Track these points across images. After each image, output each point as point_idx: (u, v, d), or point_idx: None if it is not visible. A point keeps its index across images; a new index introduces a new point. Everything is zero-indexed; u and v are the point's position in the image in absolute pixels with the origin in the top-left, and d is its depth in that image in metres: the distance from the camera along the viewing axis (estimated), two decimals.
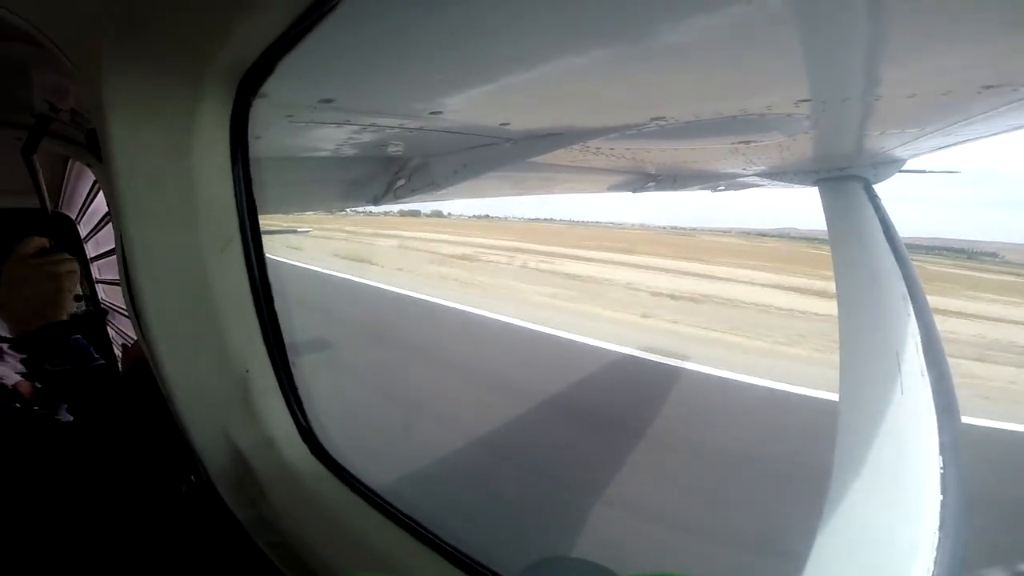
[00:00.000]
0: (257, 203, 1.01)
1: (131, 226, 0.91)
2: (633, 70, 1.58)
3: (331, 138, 1.79)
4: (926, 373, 2.27)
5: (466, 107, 1.78)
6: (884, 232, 2.61)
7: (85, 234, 3.89)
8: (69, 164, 3.47)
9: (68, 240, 4.17)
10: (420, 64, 1.26)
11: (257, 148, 1.51)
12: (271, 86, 1.02)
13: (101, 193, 2.66)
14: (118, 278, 3.02)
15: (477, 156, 2.37)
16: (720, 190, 3.77)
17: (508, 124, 2.09)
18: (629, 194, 3.75)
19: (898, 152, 2.73)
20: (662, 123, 1.91)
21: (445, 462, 5.80)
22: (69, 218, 4.15)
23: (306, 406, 1.03)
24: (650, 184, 3.54)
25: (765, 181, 3.32)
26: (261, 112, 1.28)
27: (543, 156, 2.54)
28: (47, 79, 1.77)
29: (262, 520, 1.01)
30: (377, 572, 0.80)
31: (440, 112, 1.72)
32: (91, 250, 3.91)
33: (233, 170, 0.98)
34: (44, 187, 3.57)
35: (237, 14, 0.85)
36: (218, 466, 1.03)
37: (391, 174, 2.69)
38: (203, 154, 0.96)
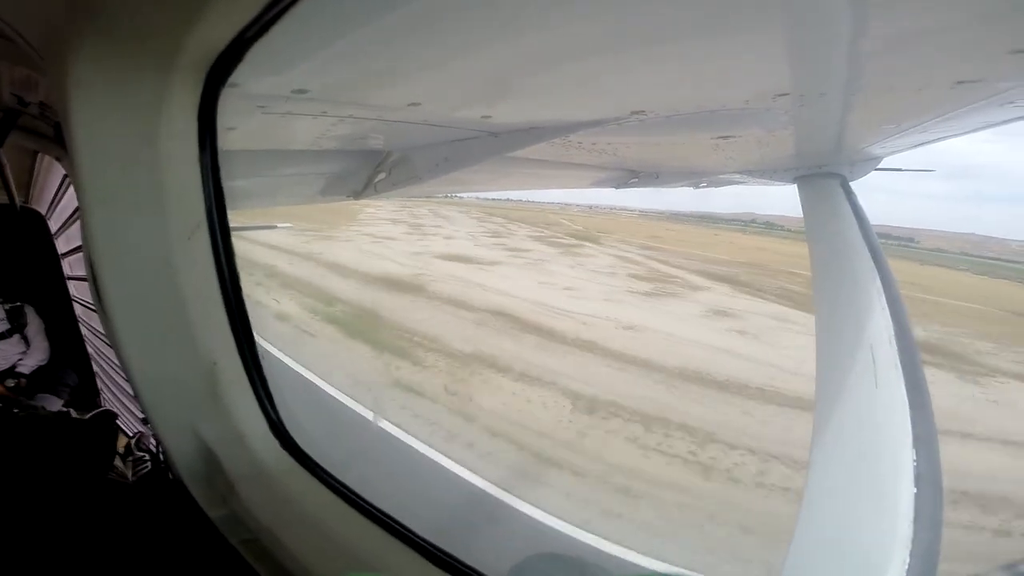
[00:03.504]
0: (227, 193, 0.98)
1: (96, 214, 0.88)
2: (612, 63, 1.58)
3: (307, 130, 1.75)
4: (899, 366, 2.31)
5: (445, 99, 1.76)
6: (860, 229, 2.65)
7: (55, 229, 3.78)
8: (38, 159, 3.36)
9: (37, 236, 4.05)
10: (397, 54, 1.24)
11: (231, 140, 1.48)
12: (242, 76, 1.00)
13: (71, 188, 2.58)
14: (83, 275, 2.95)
15: (459, 149, 2.35)
16: (702, 187, 3.80)
17: (489, 117, 2.07)
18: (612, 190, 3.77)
19: (875, 149, 2.78)
20: (642, 117, 1.91)
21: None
22: (39, 213, 4.03)
23: (276, 400, 1.01)
24: (633, 180, 3.55)
25: (745, 178, 3.35)
26: (234, 103, 1.25)
27: (526, 150, 2.53)
28: (14, 72, 1.71)
29: (233, 518, 0.99)
30: (356, 571, 0.78)
31: (419, 104, 1.69)
32: (61, 246, 3.81)
33: (201, 158, 0.96)
34: (11, 182, 3.46)
35: (204, 5, 0.82)
36: (187, 463, 1.01)
37: (371, 168, 2.66)
38: (171, 142, 0.93)
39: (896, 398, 2.25)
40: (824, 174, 2.75)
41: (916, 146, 2.90)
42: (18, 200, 3.71)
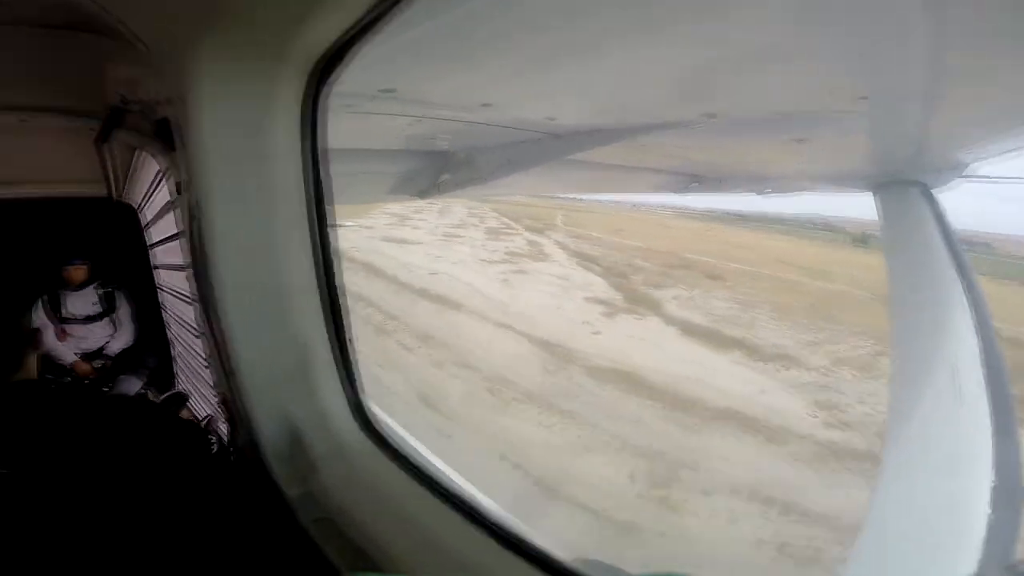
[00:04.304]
0: (325, 185, 1.05)
1: (210, 203, 0.96)
2: (684, 63, 1.57)
3: (384, 130, 1.84)
4: (984, 387, 2.17)
5: (515, 99, 1.81)
6: (944, 241, 2.50)
7: (147, 221, 4.09)
8: (135, 155, 3.65)
9: (129, 227, 4.40)
10: (477, 55, 1.29)
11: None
12: (342, 74, 1.06)
13: (165, 182, 2.79)
14: (177, 263, 3.17)
15: (523, 151, 2.39)
16: (767, 193, 3.68)
17: (554, 119, 2.10)
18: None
19: (961, 155, 2.61)
20: (713, 119, 1.89)
21: None
22: (131, 206, 4.37)
23: (361, 383, 1.06)
24: (695, 184, 3.49)
25: (817, 185, 3.22)
26: (322, 101, 1.33)
27: (588, 152, 2.55)
28: (121, 71, 1.87)
29: (310, 496, 1.01)
30: (430, 553, 0.79)
31: (490, 104, 1.75)
32: (151, 237, 4.12)
33: (304, 154, 1.03)
34: (112, 177, 3.77)
35: (314, 5, 0.89)
36: (272, 440, 1.06)
37: (437, 168, 2.74)
38: (278, 138, 1.01)
39: (978, 419, 2.11)
40: (904, 181, 2.61)
41: (1007, 152, 2.70)
42: (115, 194, 4.05)
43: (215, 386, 2.51)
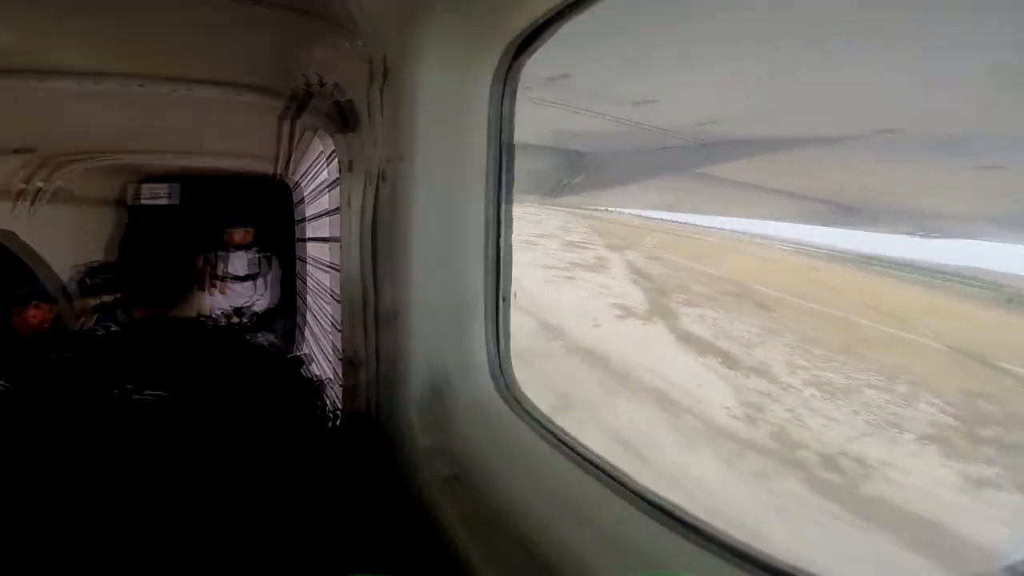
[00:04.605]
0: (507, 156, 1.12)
1: (402, 169, 1.05)
2: (868, 66, 1.44)
3: (539, 121, 1.90)
4: None
5: (676, 97, 1.78)
6: None
7: (302, 198, 4.59)
8: (302, 135, 4.11)
9: (284, 202, 4.99)
10: (650, 41, 1.29)
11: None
12: (532, 54, 1.12)
13: (327, 163, 3.10)
14: (325, 236, 3.50)
15: (664, 159, 2.35)
16: (933, 237, 3.21)
17: (705, 125, 2.04)
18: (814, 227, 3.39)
19: None
20: (890, 136, 1.71)
21: None
22: (285, 184, 4.93)
23: (508, 344, 1.09)
24: (844, 218, 3.16)
25: (1010, 232, 2.75)
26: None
27: (729, 167, 2.43)
28: (315, 52, 2.05)
29: (439, 449, 1.04)
30: (563, 510, 0.77)
31: (651, 101, 1.73)
32: (304, 213, 4.62)
33: (491, 127, 1.10)
34: (280, 154, 4.28)
35: None
36: (416, 389, 1.09)
37: (569, 169, 2.77)
38: (474, 113, 1.08)
39: None
40: None
41: None
42: (279, 171, 4.61)
43: (342, 350, 2.72)
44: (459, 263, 1.05)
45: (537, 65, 1.20)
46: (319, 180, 3.87)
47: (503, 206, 1.08)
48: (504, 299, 1.07)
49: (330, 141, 2.95)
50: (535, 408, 1.02)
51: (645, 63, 1.43)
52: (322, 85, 2.32)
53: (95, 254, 3.79)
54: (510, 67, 1.08)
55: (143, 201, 4.50)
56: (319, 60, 2.08)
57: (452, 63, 1.06)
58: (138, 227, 4.11)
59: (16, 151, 3.56)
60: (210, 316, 4.30)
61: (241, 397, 1.29)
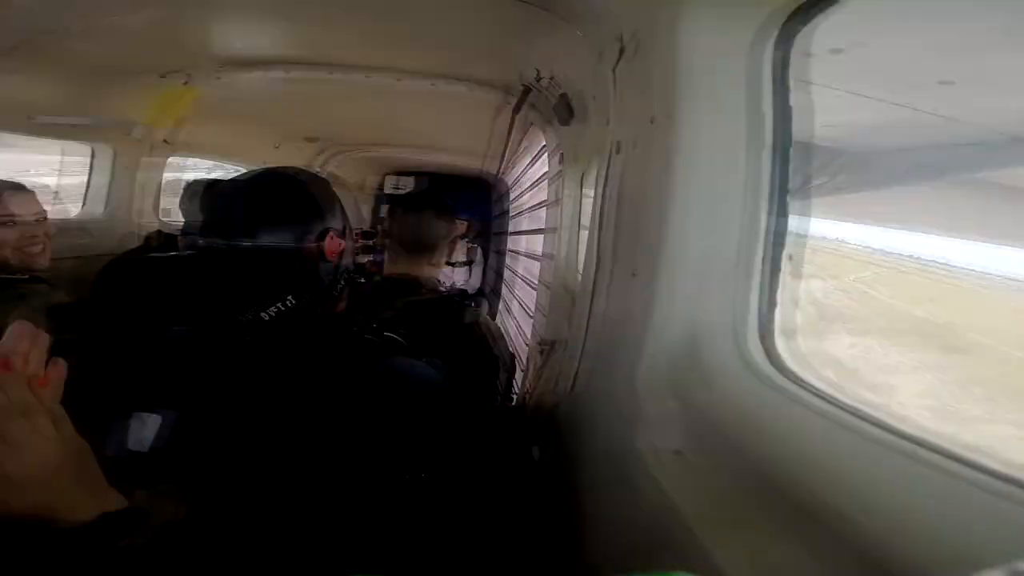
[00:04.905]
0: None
1: (686, 156, 1.01)
2: None
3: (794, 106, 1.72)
4: None
5: (988, 77, 1.43)
6: None
7: (516, 195, 4.92)
8: (516, 131, 4.27)
9: (488, 196, 5.41)
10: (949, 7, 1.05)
11: None
12: (812, 27, 1.00)
13: (548, 158, 3.21)
14: (538, 228, 3.66)
15: (955, 158, 1.89)
16: None
17: None
18: None
19: None
20: None
21: None
22: (489, 179, 5.23)
23: (782, 306, 0.98)
24: None
25: None
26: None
27: None
28: (539, 44, 1.88)
29: (676, 418, 0.92)
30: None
31: (951, 82, 1.41)
32: (513, 208, 4.94)
33: (776, 108, 1.02)
34: (490, 150, 4.52)
35: None
36: (660, 348, 0.98)
37: (811, 168, 2.45)
38: (749, 92, 1.01)
39: None
40: None
41: None
42: (487, 166, 4.98)
43: (540, 331, 2.80)
44: (721, 220, 0.98)
45: (811, 39, 1.08)
46: (530, 175, 4.08)
47: (786, 190, 0.98)
48: (789, 257, 0.96)
49: (546, 135, 2.93)
50: (823, 378, 0.85)
51: (947, 39, 1.16)
52: (529, 82, 2.21)
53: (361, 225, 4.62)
54: (788, 43, 0.98)
55: (387, 191, 5.34)
56: (544, 54, 1.95)
57: (710, 25, 1.00)
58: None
59: (307, 139, 4.35)
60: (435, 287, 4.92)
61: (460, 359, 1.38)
